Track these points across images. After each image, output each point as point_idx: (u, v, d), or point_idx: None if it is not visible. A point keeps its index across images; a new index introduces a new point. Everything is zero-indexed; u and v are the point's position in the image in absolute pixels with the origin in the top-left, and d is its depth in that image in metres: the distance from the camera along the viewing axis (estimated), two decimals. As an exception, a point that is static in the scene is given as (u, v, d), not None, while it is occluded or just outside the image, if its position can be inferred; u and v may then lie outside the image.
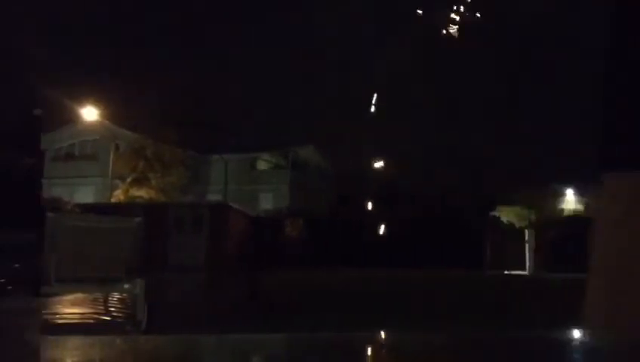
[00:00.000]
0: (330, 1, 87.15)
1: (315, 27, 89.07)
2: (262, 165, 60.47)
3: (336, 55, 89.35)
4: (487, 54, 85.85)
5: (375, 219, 42.88)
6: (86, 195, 47.37)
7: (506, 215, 44.84)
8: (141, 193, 46.71)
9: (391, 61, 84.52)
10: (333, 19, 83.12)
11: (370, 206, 48.71)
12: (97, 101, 46.55)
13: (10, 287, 8.34)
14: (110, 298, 10.88)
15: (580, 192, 57.58)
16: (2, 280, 8.23)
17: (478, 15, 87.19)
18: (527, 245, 40.23)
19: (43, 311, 10.71)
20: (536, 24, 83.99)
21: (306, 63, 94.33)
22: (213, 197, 52.94)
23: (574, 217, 47.10)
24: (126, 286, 8.51)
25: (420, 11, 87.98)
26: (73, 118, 50.60)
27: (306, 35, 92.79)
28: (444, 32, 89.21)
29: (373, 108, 79.39)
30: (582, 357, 2.69)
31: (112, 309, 10.63)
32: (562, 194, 58.43)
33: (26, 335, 5.85)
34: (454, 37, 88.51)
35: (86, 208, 25.09)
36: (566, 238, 38.59)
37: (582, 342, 2.91)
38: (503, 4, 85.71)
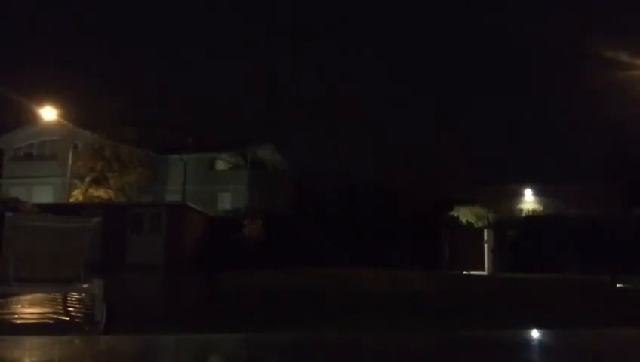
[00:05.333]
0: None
1: (277, 28, 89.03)
2: (221, 165, 60.17)
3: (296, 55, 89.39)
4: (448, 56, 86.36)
5: (334, 218, 42.85)
6: (45, 195, 47.04)
7: (465, 215, 44.98)
8: (100, 193, 46.43)
9: (348, 62, 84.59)
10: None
11: (329, 205, 48.60)
12: (56, 101, 46.29)
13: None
14: (69, 298, 10.85)
15: (538, 192, 57.93)
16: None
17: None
18: (485, 245, 40.48)
19: (1, 311, 10.68)
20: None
21: (262, 63, 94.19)
22: (172, 197, 52.74)
23: (533, 217, 47.43)
24: (85, 286, 8.51)
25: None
26: (32, 119, 50.29)
27: (263, 37, 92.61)
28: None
29: (330, 108, 79.50)
30: (541, 356, 2.77)
31: (71, 309, 10.59)
32: (521, 194, 58.70)
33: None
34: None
35: (45, 208, 24.88)
36: (525, 238, 38.90)
37: (540, 342, 2.99)
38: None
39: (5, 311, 10.74)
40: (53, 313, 10.61)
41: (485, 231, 41.03)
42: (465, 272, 37.57)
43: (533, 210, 53.30)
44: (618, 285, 24.98)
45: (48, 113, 46.25)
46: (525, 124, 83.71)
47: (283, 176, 59.12)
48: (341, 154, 79.10)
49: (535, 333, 3.18)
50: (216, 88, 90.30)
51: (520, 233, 39.93)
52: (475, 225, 43.75)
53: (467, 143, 61.95)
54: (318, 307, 15.70)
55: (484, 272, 38.62)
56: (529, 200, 58.30)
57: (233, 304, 16.52)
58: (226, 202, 52.58)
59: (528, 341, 3.01)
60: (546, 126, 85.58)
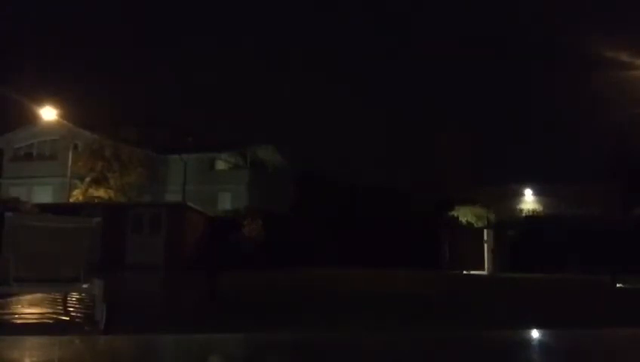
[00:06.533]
0: None
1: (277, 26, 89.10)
2: (221, 165, 60.02)
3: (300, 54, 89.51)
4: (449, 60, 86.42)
5: (334, 218, 42.84)
6: (45, 195, 47.01)
7: (465, 215, 44.92)
8: (100, 193, 46.35)
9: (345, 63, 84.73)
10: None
11: (329, 206, 48.55)
12: (56, 101, 46.32)
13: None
14: (69, 298, 10.86)
15: (538, 192, 57.87)
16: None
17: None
18: (485, 245, 40.54)
19: (1, 311, 10.68)
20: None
21: (262, 62, 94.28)
22: (172, 197, 52.66)
23: (533, 217, 47.43)
24: (85, 286, 8.51)
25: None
26: (32, 119, 50.31)
27: (264, 36, 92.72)
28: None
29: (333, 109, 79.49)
30: (541, 356, 2.77)
31: (71, 309, 10.60)
32: (521, 194, 58.62)
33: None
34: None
35: (45, 208, 24.91)
36: (525, 238, 38.90)
37: (540, 342, 2.98)
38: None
39: (5, 311, 10.74)
40: (54, 313, 10.62)
41: (485, 231, 40.98)
42: (465, 272, 37.60)
43: (533, 210, 53.31)
44: (618, 285, 24.99)
45: (48, 113, 46.29)
46: (525, 124, 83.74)
47: (283, 176, 59.01)
48: (341, 155, 79.14)
49: (535, 333, 3.18)
50: (216, 88, 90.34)
51: (520, 233, 39.95)
52: (475, 225, 43.73)
53: (467, 143, 61.90)
54: (319, 307, 15.71)
55: (484, 272, 38.59)
56: (529, 200, 58.22)
57: (233, 304, 16.52)
58: (226, 202, 52.51)
59: (528, 341, 3.01)
60: (547, 126, 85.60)
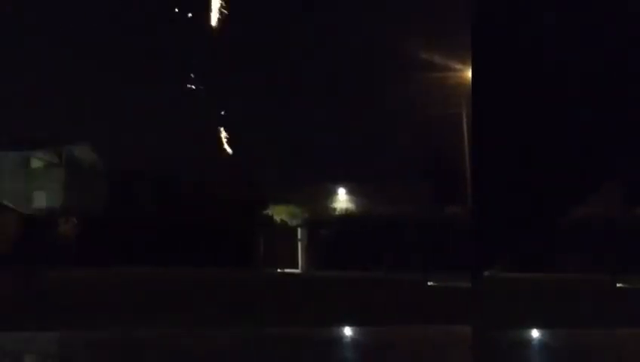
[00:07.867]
0: None
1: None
2: (36, 163, 58.65)
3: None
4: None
5: (151, 218, 42.97)
6: None
7: (279, 213, 44.36)
8: None
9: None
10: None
11: (149, 205, 48.16)
12: None
13: None
14: None
15: (350, 191, 55.41)
16: None
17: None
18: (299, 243, 41.37)
19: None
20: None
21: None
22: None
23: (346, 216, 47.46)
24: None
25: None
26: None
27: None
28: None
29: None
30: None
31: None
32: (334, 193, 56.33)
33: None
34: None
35: None
36: (338, 237, 39.05)
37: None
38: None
39: None
40: None
41: (299, 229, 42.64)
42: (279, 271, 38.75)
43: (347, 209, 52.40)
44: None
45: None
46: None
47: (102, 175, 57.13)
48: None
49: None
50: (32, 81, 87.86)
51: (334, 232, 41.10)
52: (289, 223, 43.51)
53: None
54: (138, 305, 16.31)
55: (299, 271, 39.94)
56: (342, 199, 56.66)
57: (54, 302, 17.03)
58: (41, 201, 52.74)
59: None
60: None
